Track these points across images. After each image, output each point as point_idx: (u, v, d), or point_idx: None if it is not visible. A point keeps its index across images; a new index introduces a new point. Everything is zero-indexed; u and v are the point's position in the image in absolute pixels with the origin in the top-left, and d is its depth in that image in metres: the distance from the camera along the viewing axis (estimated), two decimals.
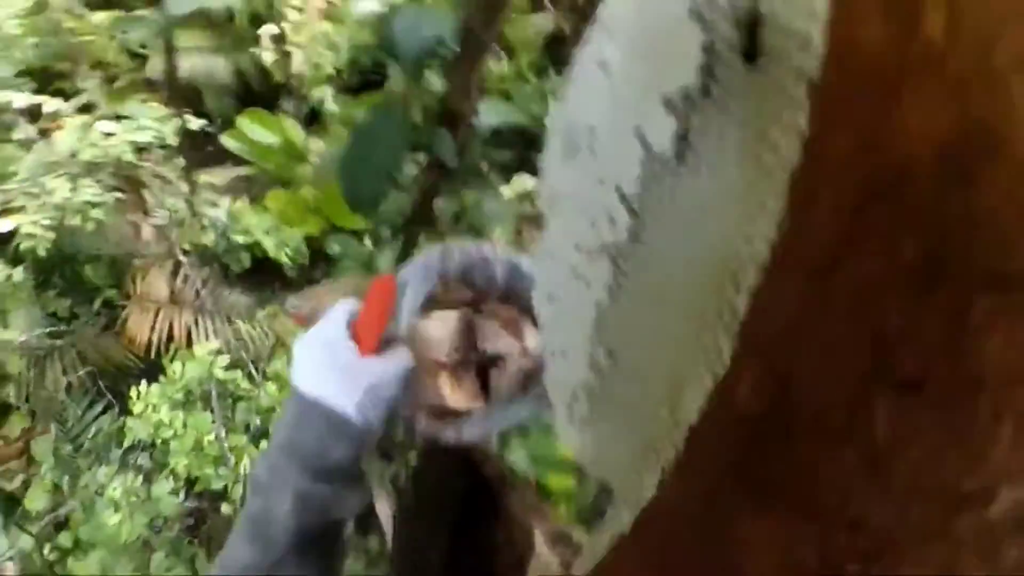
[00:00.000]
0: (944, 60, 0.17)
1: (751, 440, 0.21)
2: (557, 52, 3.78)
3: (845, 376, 0.18)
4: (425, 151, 0.93)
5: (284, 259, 3.47)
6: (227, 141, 1.46)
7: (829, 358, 0.19)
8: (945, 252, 0.17)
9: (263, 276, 3.62)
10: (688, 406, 0.26)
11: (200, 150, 3.80)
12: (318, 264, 3.89)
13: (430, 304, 0.65)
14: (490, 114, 1.02)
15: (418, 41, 0.68)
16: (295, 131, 1.48)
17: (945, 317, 0.16)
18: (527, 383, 0.63)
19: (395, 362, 0.60)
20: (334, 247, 1.65)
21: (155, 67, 3.62)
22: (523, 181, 2.20)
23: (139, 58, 3.91)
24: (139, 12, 3.49)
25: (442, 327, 0.65)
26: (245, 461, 2.34)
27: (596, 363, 0.36)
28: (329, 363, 0.58)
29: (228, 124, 3.81)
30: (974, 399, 0.15)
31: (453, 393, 0.68)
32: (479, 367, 0.64)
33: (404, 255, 1.43)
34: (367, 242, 1.61)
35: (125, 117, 3.11)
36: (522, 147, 2.66)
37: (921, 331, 0.16)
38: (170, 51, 1.91)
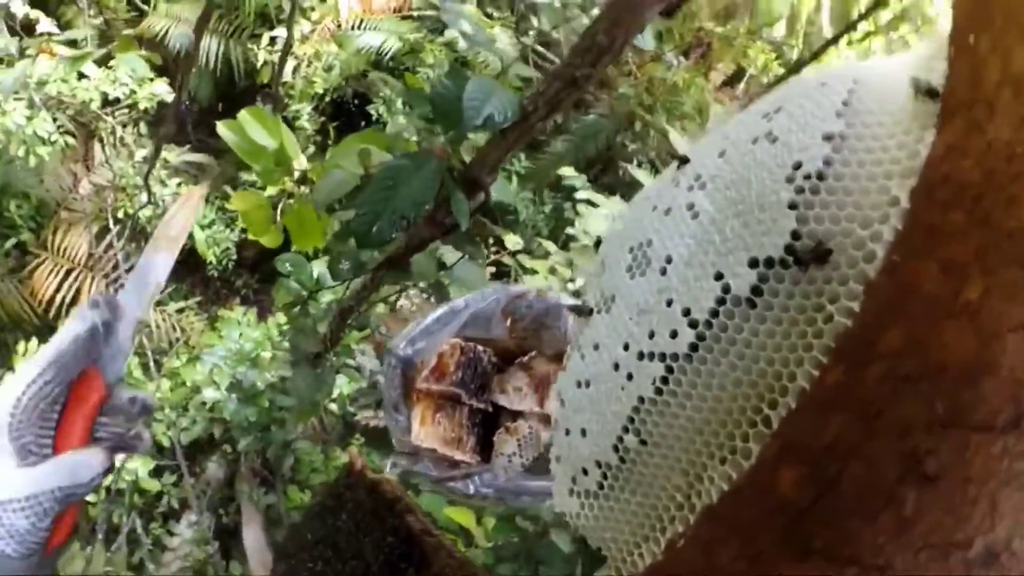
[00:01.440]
0: None
1: (797, 517, 0.29)
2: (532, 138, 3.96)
3: (884, 481, 0.27)
4: (437, 208, 1.00)
5: (211, 257, 3.42)
6: (222, 129, 1.48)
7: (870, 468, 0.28)
8: None
9: (185, 269, 3.54)
10: (707, 491, 0.34)
11: (161, 123, 3.75)
12: (241, 273, 3.84)
13: (471, 332, 0.65)
14: (498, 191, 1.10)
15: (482, 112, 0.77)
16: (292, 143, 1.51)
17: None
18: (530, 450, 0.65)
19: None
20: (286, 265, 1.66)
21: (151, 27, 3.58)
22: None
23: (137, 11, 3.87)
24: None
25: (447, 353, 0.66)
26: None
27: (625, 447, 0.44)
28: None
29: (200, 106, 3.79)
30: (965, 488, 0.25)
31: (421, 426, 0.69)
32: (484, 417, 0.67)
33: (347, 296, 1.46)
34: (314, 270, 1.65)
35: (108, 67, 3.05)
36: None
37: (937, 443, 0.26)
38: (201, 29, 1.92)
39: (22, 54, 2.98)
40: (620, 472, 0.45)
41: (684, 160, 0.48)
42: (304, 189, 1.59)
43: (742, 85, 3.93)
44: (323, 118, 3.93)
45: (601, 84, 3.59)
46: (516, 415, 0.68)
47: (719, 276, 0.40)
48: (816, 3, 3.53)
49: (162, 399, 2.51)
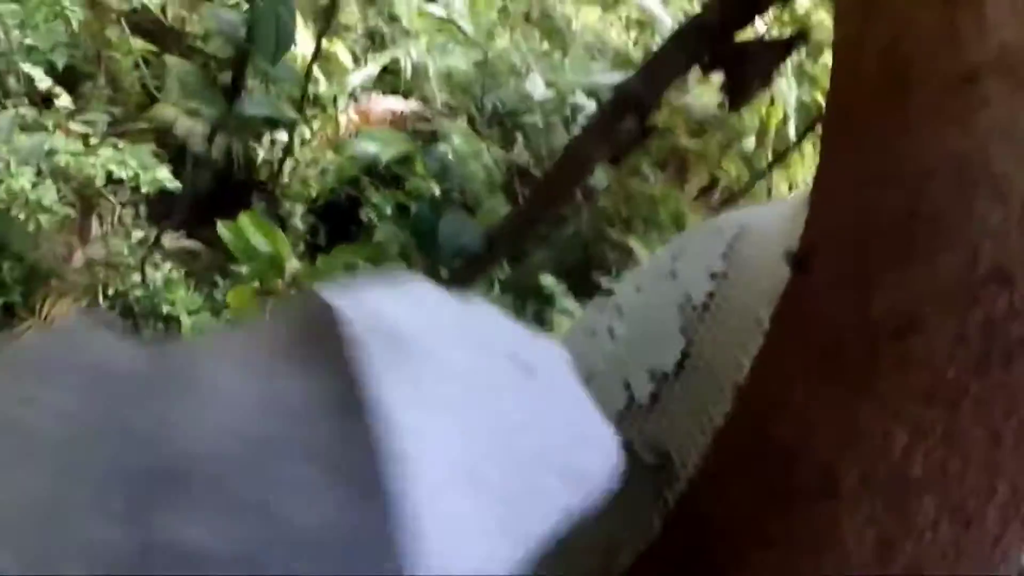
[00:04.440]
0: None
1: (674, 567, 0.37)
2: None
3: (737, 543, 0.35)
4: None
5: None
6: (222, 230, 1.58)
7: (728, 542, 0.35)
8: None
9: None
10: (623, 562, 0.42)
11: (160, 209, 3.88)
12: None
13: None
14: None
15: (456, 243, 0.88)
16: (286, 247, 1.62)
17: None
18: None
19: None
20: None
21: (162, 115, 3.76)
22: None
23: (149, 96, 4.06)
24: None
25: None
26: None
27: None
28: None
29: (198, 197, 3.93)
30: (794, 549, 0.33)
31: None
32: None
33: None
34: None
35: (116, 148, 3.19)
36: None
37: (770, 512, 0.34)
38: (212, 139, 2.08)
39: (40, 126, 3.12)
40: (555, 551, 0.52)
41: (609, 291, 0.58)
42: (293, 291, 1.69)
43: (717, 194, 4.14)
44: (315, 219, 4.08)
45: (582, 197, 3.79)
46: None
47: (627, 386, 0.49)
48: (783, 115, 3.79)
49: None
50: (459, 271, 1.02)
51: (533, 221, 0.86)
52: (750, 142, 4.04)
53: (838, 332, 0.33)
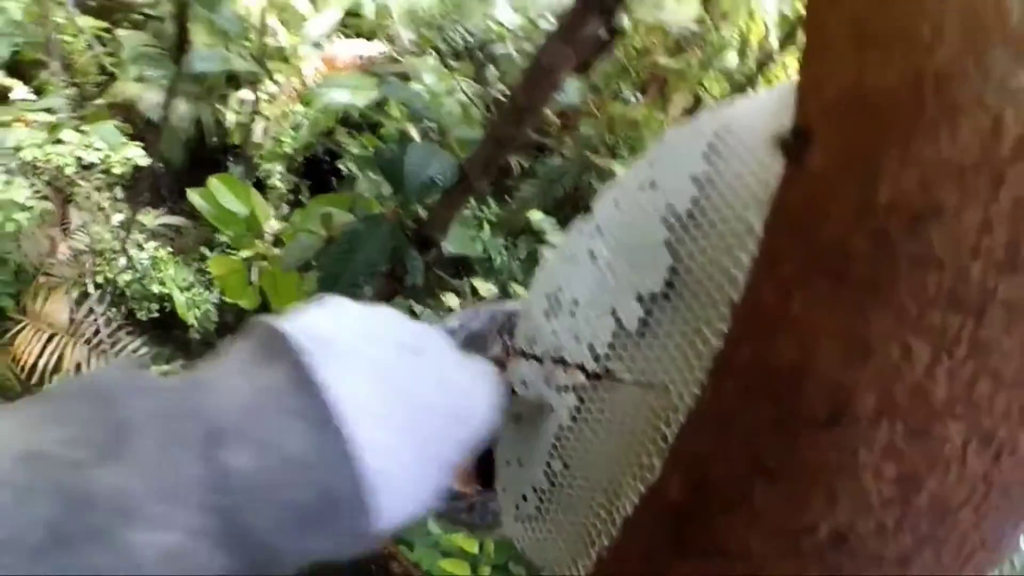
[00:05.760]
0: None
1: (681, 517, 0.33)
2: (501, 184, 4.06)
3: (737, 478, 0.30)
4: (394, 265, 1.05)
5: (191, 320, 3.43)
6: (193, 197, 1.52)
7: (727, 469, 0.31)
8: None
9: (165, 331, 3.56)
10: (623, 506, 0.38)
11: (137, 188, 3.80)
12: (222, 335, 3.85)
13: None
14: (455, 243, 1.15)
15: (423, 175, 0.82)
16: (262, 206, 1.57)
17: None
18: None
19: None
20: None
21: (121, 91, 3.65)
22: (451, 299, 2.35)
23: (106, 74, 3.94)
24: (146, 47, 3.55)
25: None
26: None
27: (551, 471, 0.48)
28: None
29: (173, 169, 3.84)
30: (801, 479, 0.29)
31: None
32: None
33: None
34: None
35: (82, 131, 3.11)
36: (456, 268, 2.82)
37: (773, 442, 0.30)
38: (168, 104, 1.99)
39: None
40: (552, 495, 0.48)
41: (588, 209, 0.52)
42: (277, 251, 1.64)
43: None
44: (296, 177, 3.99)
45: (564, 127, 3.69)
46: None
47: (614, 312, 0.45)
48: (763, 29, 3.66)
49: None
50: (436, 207, 0.97)
51: (502, 143, 0.80)
52: (731, 58, 3.91)
53: (841, 227, 0.28)
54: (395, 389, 0.33)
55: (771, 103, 0.44)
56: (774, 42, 3.66)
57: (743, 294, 0.36)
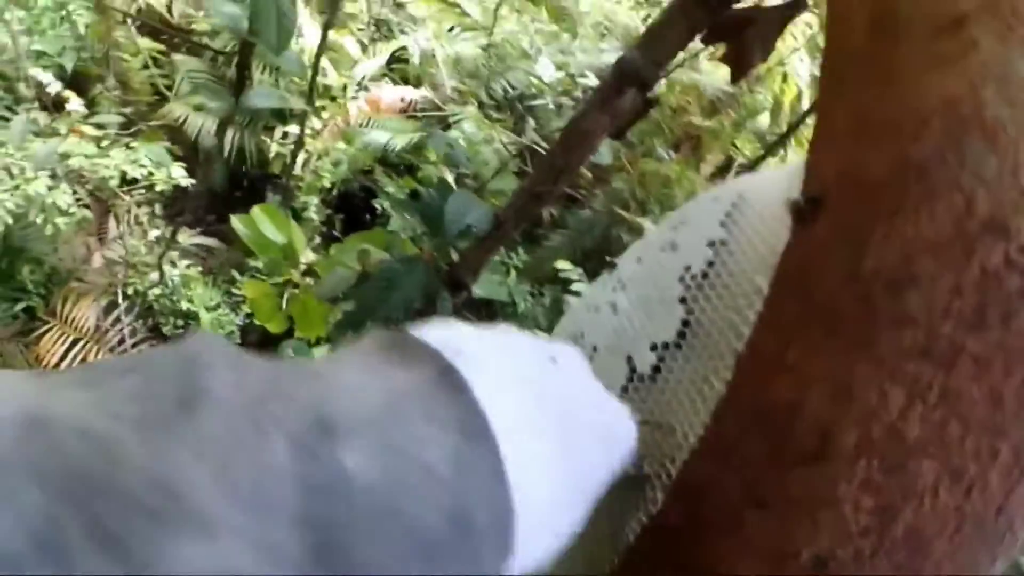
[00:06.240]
0: None
1: (679, 542, 0.36)
2: (531, 232, 4.13)
3: (731, 506, 0.34)
4: (425, 304, 1.09)
5: None
6: (236, 223, 1.60)
7: (722, 498, 0.35)
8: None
9: None
10: (626, 537, 0.41)
11: (175, 206, 3.93)
12: None
13: None
14: (484, 287, 1.20)
15: (461, 222, 0.88)
16: (300, 237, 1.63)
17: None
18: None
19: None
20: (289, 352, 1.77)
21: (173, 114, 3.79)
22: None
23: (159, 95, 4.10)
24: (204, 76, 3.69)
25: None
26: None
27: None
28: None
29: (212, 193, 3.96)
30: (789, 510, 0.32)
31: None
32: None
33: None
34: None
35: (129, 147, 3.23)
36: (480, 312, 2.87)
37: (766, 475, 0.33)
38: (222, 134, 2.09)
39: (53, 131, 3.16)
40: None
41: (613, 264, 0.57)
42: (309, 280, 1.70)
43: (731, 174, 4.11)
44: (330, 210, 4.10)
45: (596, 180, 3.77)
46: None
47: (629, 359, 0.49)
48: (796, 92, 3.74)
49: None
50: (469, 252, 1.02)
51: (538, 197, 0.86)
52: (764, 119, 3.99)
53: (834, 288, 0.33)
54: (545, 403, 0.29)
55: (783, 177, 0.49)
56: (806, 104, 3.73)
57: (748, 344, 0.41)
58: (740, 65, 0.77)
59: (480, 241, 0.91)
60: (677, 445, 0.45)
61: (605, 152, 0.88)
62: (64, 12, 3.34)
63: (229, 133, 3.84)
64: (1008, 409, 0.30)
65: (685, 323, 0.46)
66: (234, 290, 3.58)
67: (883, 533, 0.31)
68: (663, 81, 3.77)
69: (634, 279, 0.53)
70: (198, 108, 3.57)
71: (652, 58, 0.73)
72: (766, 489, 0.33)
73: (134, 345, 3.24)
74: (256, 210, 1.66)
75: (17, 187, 2.90)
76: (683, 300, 0.46)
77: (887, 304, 0.31)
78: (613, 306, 0.53)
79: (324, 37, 2.29)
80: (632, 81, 0.72)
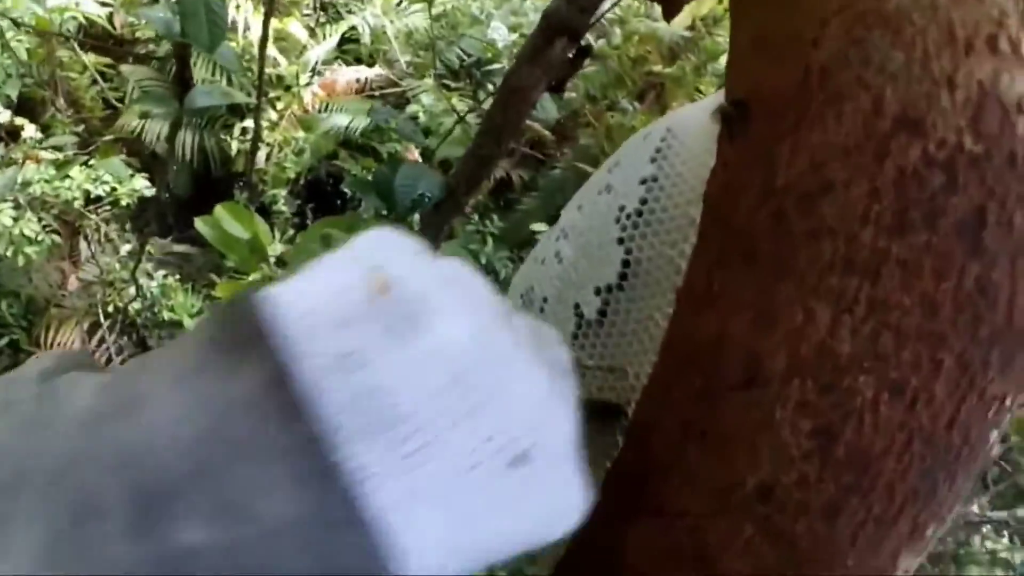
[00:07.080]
0: None
1: (630, 483, 0.36)
2: (501, 195, 4.11)
3: (673, 443, 0.34)
4: None
5: None
6: (200, 225, 1.57)
7: (665, 436, 0.35)
8: None
9: None
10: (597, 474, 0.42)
11: (143, 218, 3.87)
12: None
13: None
14: (447, 253, 1.19)
15: (413, 193, 0.86)
16: (265, 232, 1.61)
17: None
18: None
19: None
20: None
21: (127, 125, 3.72)
22: None
23: (111, 108, 4.02)
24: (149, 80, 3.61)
25: None
26: None
27: None
28: None
29: (179, 198, 3.92)
30: (726, 439, 0.32)
31: None
32: None
33: None
34: None
35: (89, 165, 3.18)
36: None
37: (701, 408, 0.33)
38: (173, 138, 2.05)
39: (11, 160, 3.11)
40: None
41: (558, 217, 0.57)
42: (282, 272, 1.68)
43: None
44: (299, 201, 4.06)
45: (563, 138, 3.74)
46: None
47: (576, 306, 0.48)
48: None
49: None
50: (426, 220, 1.01)
51: (485, 159, 0.85)
52: (724, 60, 3.94)
53: (750, 210, 0.32)
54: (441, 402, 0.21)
55: (710, 105, 0.48)
56: None
57: (683, 279, 0.40)
58: (673, 2, 0.75)
59: (434, 209, 0.90)
60: (631, 387, 0.44)
61: (549, 107, 0.86)
62: (2, 41, 3.26)
63: (188, 136, 3.78)
64: (944, 316, 0.29)
65: (626, 264, 0.45)
66: (214, 293, 3.55)
67: (825, 455, 0.30)
68: (619, 32, 3.73)
69: (576, 226, 0.52)
70: (144, 115, 3.51)
71: (578, 5, 0.71)
72: (704, 423, 0.33)
73: (122, 363, 3.22)
74: (218, 209, 1.64)
75: None
76: (621, 241, 0.46)
77: (801, 218, 0.30)
78: (558, 255, 0.52)
79: (266, 26, 2.24)
80: (561, 31, 0.70)
